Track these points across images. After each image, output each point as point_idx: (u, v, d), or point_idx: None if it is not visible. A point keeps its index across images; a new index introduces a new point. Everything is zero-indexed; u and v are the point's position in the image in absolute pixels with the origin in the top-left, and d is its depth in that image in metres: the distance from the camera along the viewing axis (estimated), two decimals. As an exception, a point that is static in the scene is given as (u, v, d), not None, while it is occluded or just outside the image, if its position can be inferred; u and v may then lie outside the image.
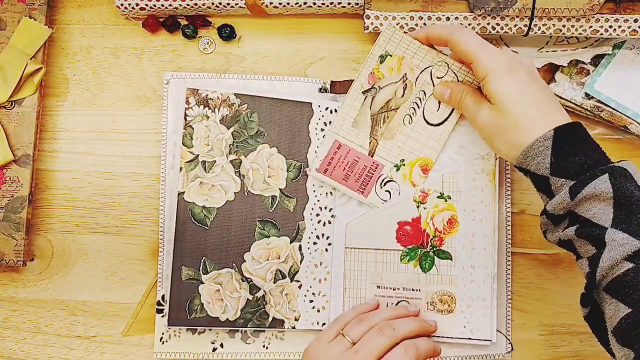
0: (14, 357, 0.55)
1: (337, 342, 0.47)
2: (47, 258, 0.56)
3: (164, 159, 0.53)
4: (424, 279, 0.51)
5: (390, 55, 0.50)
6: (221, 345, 0.53)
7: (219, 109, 0.52)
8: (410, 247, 0.51)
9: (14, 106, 0.54)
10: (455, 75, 0.49)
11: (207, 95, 0.52)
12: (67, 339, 0.55)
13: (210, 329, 0.53)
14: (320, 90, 0.54)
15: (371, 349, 0.45)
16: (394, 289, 0.51)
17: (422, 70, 0.50)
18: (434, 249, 0.51)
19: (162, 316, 0.53)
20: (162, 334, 0.53)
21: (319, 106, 0.53)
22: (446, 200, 0.51)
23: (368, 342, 0.46)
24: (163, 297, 0.53)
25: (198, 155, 0.52)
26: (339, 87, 0.54)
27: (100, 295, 0.55)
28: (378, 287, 0.52)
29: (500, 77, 0.43)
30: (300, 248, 0.52)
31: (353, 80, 0.52)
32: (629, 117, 0.52)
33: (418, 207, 0.51)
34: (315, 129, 0.53)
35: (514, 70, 0.43)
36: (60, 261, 0.56)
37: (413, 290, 0.51)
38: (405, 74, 0.50)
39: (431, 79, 0.50)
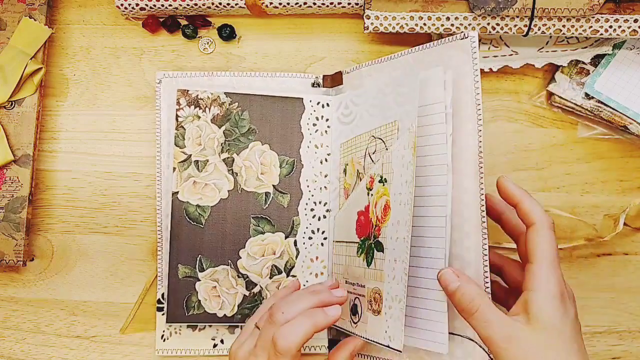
0: (14, 357, 0.55)
1: (252, 336, 0.44)
2: (47, 258, 0.56)
3: (159, 159, 0.53)
4: (367, 274, 0.47)
5: (347, 164, 0.51)
6: (221, 341, 0.53)
7: (209, 109, 0.52)
8: (362, 238, 0.48)
9: (14, 106, 0.54)
10: (382, 140, 0.47)
11: (197, 95, 0.52)
12: (67, 339, 0.55)
13: (210, 326, 0.53)
14: (313, 85, 0.54)
15: (264, 342, 0.42)
16: (353, 285, 0.49)
17: (364, 157, 0.49)
18: (375, 240, 0.46)
19: (163, 314, 0.53)
20: (163, 331, 0.53)
21: (310, 101, 0.53)
22: (383, 184, 0.46)
23: (261, 336, 0.42)
24: (163, 295, 0.53)
25: (191, 155, 0.52)
26: (330, 81, 0.54)
27: (100, 295, 0.55)
28: (346, 282, 0.50)
29: (550, 299, 0.37)
30: (295, 243, 0.52)
31: (341, 71, 0.52)
32: (629, 117, 0.52)
33: (368, 194, 0.48)
34: (307, 124, 0.53)
35: (564, 299, 0.38)
36: (60, 261, 0.56)
37: (361, 286, 0.47)
38: (357, 169, 0.50)
39: (370, 158, 0.48)
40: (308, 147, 0.53)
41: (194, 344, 0.53)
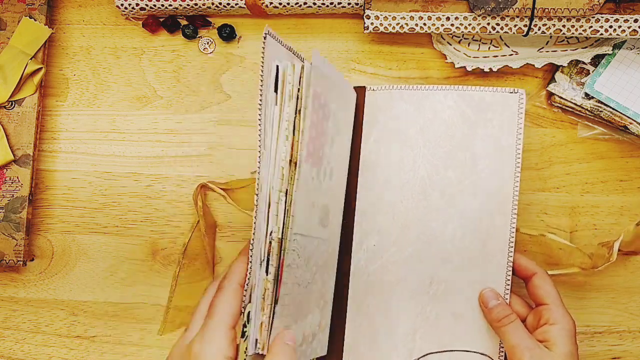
0: (14, 357, 0.55)
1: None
2: (47, 258, 0.56)
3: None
4: None
5: None
6: None
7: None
8: None
9: (14, 106, 0.54)
10: None
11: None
12: (67, 339, 0.55)
13: None
14: None
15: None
16: None
17: None
18: None
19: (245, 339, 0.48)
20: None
21: None
22: None
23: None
24: (249, 315, 0.50)
25: None
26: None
27: (100, 295, 0.55)
28: None
29: (567, 332, 0.45)
30: None
31: (365, 87, 0.51)
32: (629, 117, 0.52)
33: None
34: None
35: (575, 335, 0.45)
36: (60, 261, 0.56)
37: None
38: None
39: None
40: None
41: None
